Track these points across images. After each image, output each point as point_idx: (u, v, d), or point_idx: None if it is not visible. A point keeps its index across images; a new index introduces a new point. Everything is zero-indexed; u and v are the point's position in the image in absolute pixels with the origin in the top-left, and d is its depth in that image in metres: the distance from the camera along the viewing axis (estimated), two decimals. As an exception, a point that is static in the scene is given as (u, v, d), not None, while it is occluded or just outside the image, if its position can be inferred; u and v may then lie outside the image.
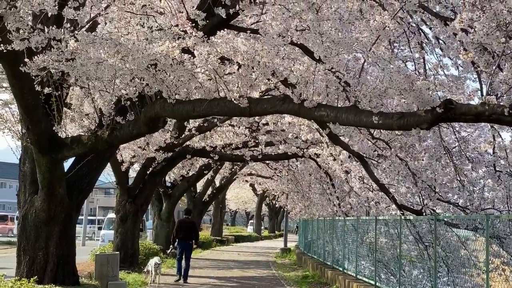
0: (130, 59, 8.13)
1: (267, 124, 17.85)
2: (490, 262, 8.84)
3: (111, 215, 33.34)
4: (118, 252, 16.83)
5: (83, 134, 11.25)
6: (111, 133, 10.52)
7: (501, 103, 6.43)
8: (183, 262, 17.97)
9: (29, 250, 12.08)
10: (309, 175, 23.71)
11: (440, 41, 9.28)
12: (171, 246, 19.68)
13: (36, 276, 11.39)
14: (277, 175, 31.13)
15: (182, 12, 8.89)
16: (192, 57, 8.25)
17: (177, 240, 18.19)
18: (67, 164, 12.70)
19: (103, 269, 14.34)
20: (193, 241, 18.35)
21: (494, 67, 6.58)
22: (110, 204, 67.68)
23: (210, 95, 8.85)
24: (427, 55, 10.33)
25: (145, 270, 17.57)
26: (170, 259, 22.99)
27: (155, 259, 17.37)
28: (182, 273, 17.90)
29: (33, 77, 9.17)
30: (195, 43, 7.88)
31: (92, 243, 36.42)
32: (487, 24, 5.39)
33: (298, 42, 8.17)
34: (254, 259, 30.21)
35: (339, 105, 8.35)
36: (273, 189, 42.16)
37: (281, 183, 32.91)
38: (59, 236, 12.17)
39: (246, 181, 42.90)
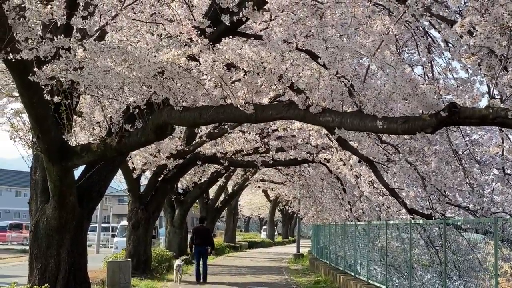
0: (137, 67, 8.20)
1: (277, 130, 17.89)
2: (499, 266, 8.79)
3: (124, 222, 33.45)
4: (130, 259, 16.92)
5: (92, 142, 11.33)
6: (120, 141, 10.60)
7: (506, 106, 6.42)
8: (201, 266, 19.82)
9: (41, 258, 12.16)
10: (321, 180, 23.74)
11: (449, 45, 9.31)
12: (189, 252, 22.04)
13: (48, 284, 11.45)
14: (289, 181, 31.20)
15: (191, 20, 8.98)
16: (198, 65, 8.31)
17: (193, 246, 20.04)
18: (77, 172, 12.80)
19: (115, 276, 14.44)
20: (209, 246, 20.20)
21: (498, 70, 6.57)
22: (123, 211, 67.76)
23: (217, 102, 8.90)
24: (436, 58, 10.34)
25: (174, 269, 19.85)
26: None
27: (177, 261, 19.78)
28: (202, 275, 19.77)
29: (42, 87, 9.27)
30: (200, 51, 7.94)
31: (106, 251, 36.55)
32: (488, 28, 5.40)
33: (304, 48, 8.21)
34: (267, 265, 30.21)
35: (345, 110, 8.38)
36: (285, 195, 42.27)
37: (293, 188, 32.99)
38: (70, 244, 12.24)
39: (259, 187, 42.99)
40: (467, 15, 6.19)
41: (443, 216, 11.28)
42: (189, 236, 22.81)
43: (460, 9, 8.25)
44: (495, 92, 6.97)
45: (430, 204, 11.57)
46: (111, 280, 14.40)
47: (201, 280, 19.68)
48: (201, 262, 19.93)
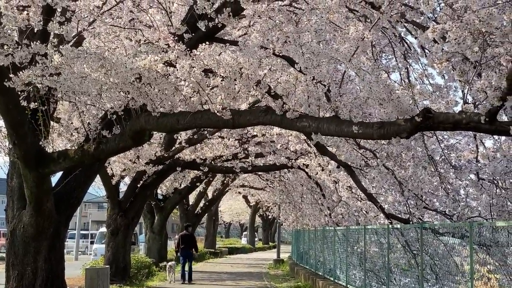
0: (114, 73, 8.18)
1: (256, 136, 17.93)
2: (476, 270, 8.88)
3: (103, 229, 33.26)
4: (108, 266, 16.82)
5: (70, 148, 11.27)
6: (97, 147, 10.55)
7: (479, 111, 6.50)
8: (186, 268, 22.15)
9: (18, 265, 12.06)
10: (301, 185, 23.81)
11: (426, 51, 9.41)
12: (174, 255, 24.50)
13: (25, 291, 11.38)
14: (269, 186, 31.23)
15: (169, 26, 9.00)
16: (176, 71, 8.31)
17: (180, 250, 22.43)
18: (55, 178, 12.72)
19: (93, 283, 14.34)
20: (193, 250, 22.64)
21: (472, 76, 6.66)
22: (103, 218, 67.28)
23: (195, 107, 8.91)
24: (413, 64, 10.47)
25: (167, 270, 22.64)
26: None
27: (170, 263, 22.76)
28: (187, 277, 22.06)
29: (19, 92, 9.21)
30: (177, 57, 7.95)
31: (85, 258, 36.27)
32: (459, 33, 5.47)
33: (281, 54, 8.26)
34: (247, 271, 30.19)
35: (323, 115, 8.43)
36: (266, 200, 42.31)
37: (273, 194, 33.02)
38: (47, 251, 12.15)
39: (239, 192, 43.00)
40: (441, 21, 6.28)
41: (421, 221, 11.37)
42: (170, 242, 23.99)
43: (435, 16, 8.36)
44: (469, 97, 7.06)
45: (408, 208, 11.68)
46: (89, 287, 14.31)
47: (186, 281, 21.93)
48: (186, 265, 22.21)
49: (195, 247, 22.99)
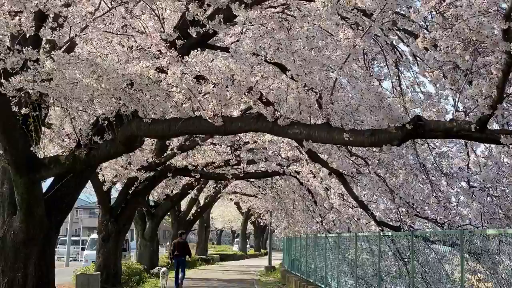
0: (106, 79, 8.17)
1: (248, 142, 17.93)
2: (466, 278, 8.89)
3: (95, 235, 33.13)
4: (99, 273, 16.76)
5: (61, 154, 11.23)
6: (89, 153, 10.52)
7: (470, 120, 6.53)
8: (180, 274, 21.96)
9: (8, 271, 11.98)
10: (293, 192, 23.78)
11: (417, 59, 9.44)
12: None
13: (15, 297, 11.31)
14: (261, 193, 31.19)
15: (161, 32, 9.00)
16: (167, 77, 8.31)
17: (173, 256, 22.30)
18: (46, 184, 12.67)
19: (84, 289, 14.29)
20: (186, 256, 22.53)
21: (462, 84, 6.69)
22: (94, 224, 66.94)
23: (186, 114, 8.90)
24: (405, 72, 10.50)
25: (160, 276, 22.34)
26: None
27: (163, 269, 22.35)
28: (179, 281, 21.86)
29: (10, 98, 9.18)
30: (169, 63, 7.95)
31: (76, 264, 36.13)
32: (449, 42, 5.50)
33: (273, 61, 8.27)
34: (238, 278, 30.12)
35: (315, 123, 8.44)
36: (257, 207, 42.23)
37: (265, 201, 32.97)
38: (38, 257, 12.08)
39: (231, 199, 42.91)
40: (432, 29, 6.31)
41: (412, 228, 11.38)
42: (161, 248, 23.97)
43: (427, 24, 8.39)
44: (460, 105, 7.10)
45: (399, 216, 11.68)
46: (80, 294, 14.26)
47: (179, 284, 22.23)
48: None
49: (189, 253, 23.09)
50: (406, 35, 8.69)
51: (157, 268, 24.06)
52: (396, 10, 7.50)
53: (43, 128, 11.31)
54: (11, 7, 8.39)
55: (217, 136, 16.76)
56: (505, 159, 9.63)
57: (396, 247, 12.02)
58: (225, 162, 19.64)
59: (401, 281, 11.90)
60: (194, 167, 19.54)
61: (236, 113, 10.81)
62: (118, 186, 21.79)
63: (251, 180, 26.88)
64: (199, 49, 8.36)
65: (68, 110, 10.87)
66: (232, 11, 7.74)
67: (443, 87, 7.45)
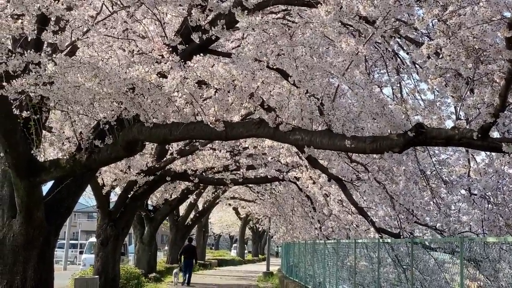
0: (107, 83, 8.17)
1: (247, 148, 17.91)
2: (466, 285, 8.88)
3: (93, 239, 33.11)
4: (97, 277, 16.74)
5: (61, 157, 11.22)
6: (89, 157, 10.51)
7: (472, 128, 6.54)
8: (187, 274, 27.16)
9: (7, 275, 11.96)
10: (292, 198, 23.74)
11: (417, 66, 9.46)
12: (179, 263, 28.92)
13: (13, 301, 11.29)
14: (260, 199, 31.17)
15: (163, 37, 9.01)
16: (167, 81, 8.31)
17: (182, 258, 27.37)
18: (46, 187, 12.65)
19: (82, 293, 14.27)
20: (194, 260, 27.72)
21: (465, 92, 6.70)
22: (92, 228, 67.02)
23: (187, 119, 8.90)
24: (405, 79, 10.51)
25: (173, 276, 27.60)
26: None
27: (175, 270, 27.71)
28: (186, 280, 27.18)
29: (11, 101, 9.18)
30: (171, 68, 7.95)
31: (74, 268, 36.04)
32: (453, 50, 5.51)
33: (275, 67, 8.28)
34: (236, 283, 30.09)
35: (316, 129, 8.44)
36: (256, 213, 42.18)
37: (264, 206, 32.95)
38: (37, 260, 12.06)
39: (229, 204, 42.84)
40: (434, 37, 6.32)
41: (411, 235, 11.38)
42: (159, 253, 24.56)
43: (429, 31, 8.41)
44: (462, 113, 7.10)
45: (399, 223, 11.68)
46: (78, 298, 14.23)
47: (186, 283, 26.98)
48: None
49: (196, 258, 28.28)
50: (406, 42, 8.71)
51: (175, 270, 27.95)
52: (398, 17, 7.51)
53: (43, 131, 11.31)
54: (14, 10, 8.40)
55: (217, 141, 16.75)
56: (506, 168, 9.64)
57: (395, 254, 12.01)
58: (225, 167, 19.61)
59: (401, 288, 11.89)
60: (193, 172, 19.50)
61: (236, 119, 10.82)
62: (117, 190, 21.76)
63: (250, 185, 26.87)
64: (201, 54, 8.36)
65: (69, 114, 10.87)
66: (234, 17, 7.75)
67: (444, 95, 7.47)
